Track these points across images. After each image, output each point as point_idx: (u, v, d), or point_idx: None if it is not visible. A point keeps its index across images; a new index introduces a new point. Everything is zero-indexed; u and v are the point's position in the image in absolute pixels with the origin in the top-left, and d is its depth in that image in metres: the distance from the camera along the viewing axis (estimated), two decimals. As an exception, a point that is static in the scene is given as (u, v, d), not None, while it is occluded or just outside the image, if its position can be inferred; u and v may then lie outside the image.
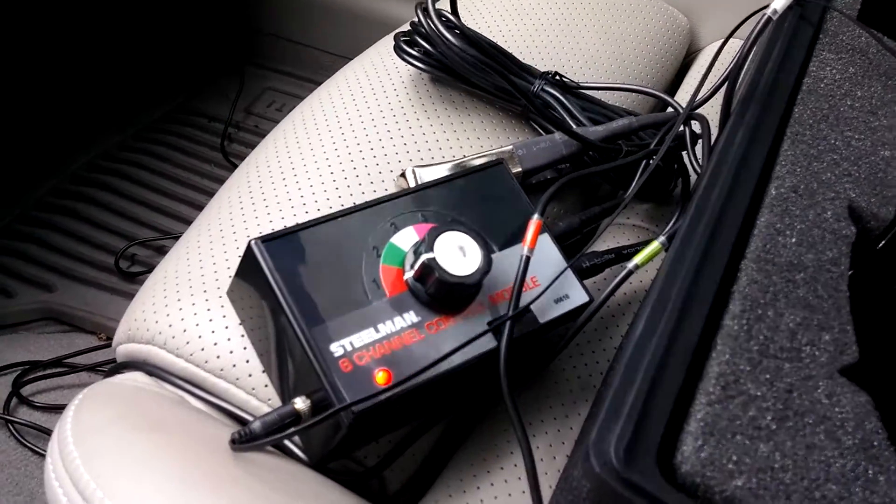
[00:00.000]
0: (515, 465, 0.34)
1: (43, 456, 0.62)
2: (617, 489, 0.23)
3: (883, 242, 0.36)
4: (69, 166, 1.00)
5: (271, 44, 1.24)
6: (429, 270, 0.31)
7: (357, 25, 1.19)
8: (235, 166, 1.03)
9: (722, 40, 0.44)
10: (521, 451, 0.30)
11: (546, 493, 0.33)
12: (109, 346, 0.75)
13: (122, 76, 1.13)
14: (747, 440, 0.24)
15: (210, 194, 1.00)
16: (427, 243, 0.31)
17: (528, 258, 0.32)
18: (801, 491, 0.24)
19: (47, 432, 0.63)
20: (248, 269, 0.32)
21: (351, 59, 1.34)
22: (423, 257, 0.31)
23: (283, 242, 0.31)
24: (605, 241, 0.46)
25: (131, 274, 0.86)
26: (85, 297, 0.83)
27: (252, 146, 1.09)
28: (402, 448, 0.34)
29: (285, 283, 0.30)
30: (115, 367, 0.37)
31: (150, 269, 0.86)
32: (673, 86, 0.62)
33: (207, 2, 1.22)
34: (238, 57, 1.20)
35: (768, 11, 0.35)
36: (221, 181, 1.05)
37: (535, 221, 0.33)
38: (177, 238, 0.90)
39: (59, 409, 0.65)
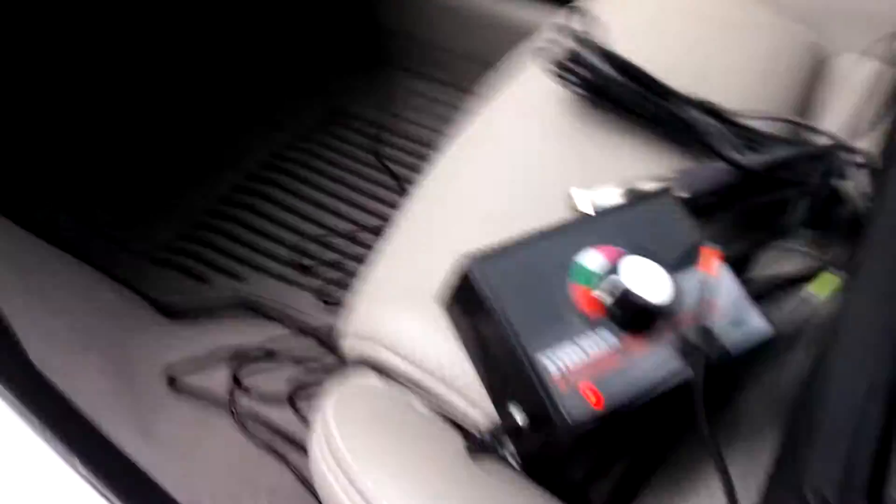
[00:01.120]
0: (710, 493, 0.35)
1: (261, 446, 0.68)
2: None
3: None
4: (245, 166, 1.07)
5: (415, 48, 1.26)
6: (628, 295, 0.33)
7: (499, 31, 1.19)
8: (388, 168, 1.08)
9: (846, 54, 0.41)
10: (718, 479, 0.30)
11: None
12: (303, 335, 0.80)
13: (282, 85, 1.19)
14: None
15: (366, 194, 1.05)
16: (619, 268, 0.33)
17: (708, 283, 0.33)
18: None
19: (264, 423, 0.68)
20: (464, 287, 0.34)
21: (491, 63, 1.34)
22: (622, 283, 0.32)
23: (494, 263, 0.34)
24: (765, 266, 0.45)
25: (305, 267, 0.92)
26: (270, 287, 0.89)
27: (402, 149, 1.13)
28: (605, 465, 0.36)
29: (502, 304, 0.33)
30: (347, 367, 0.41)
31: (322, 262, 0.92)
32: (803, 100, 0.60)
33: (355, 7, 1.25)
34: (390, 61, 1.22)
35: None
36: (375, 181, 1.10)
37: (711, 253, 0.34)
38: (342, 236, 0.96)
39: (270, 398, 0.71)
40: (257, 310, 0.86)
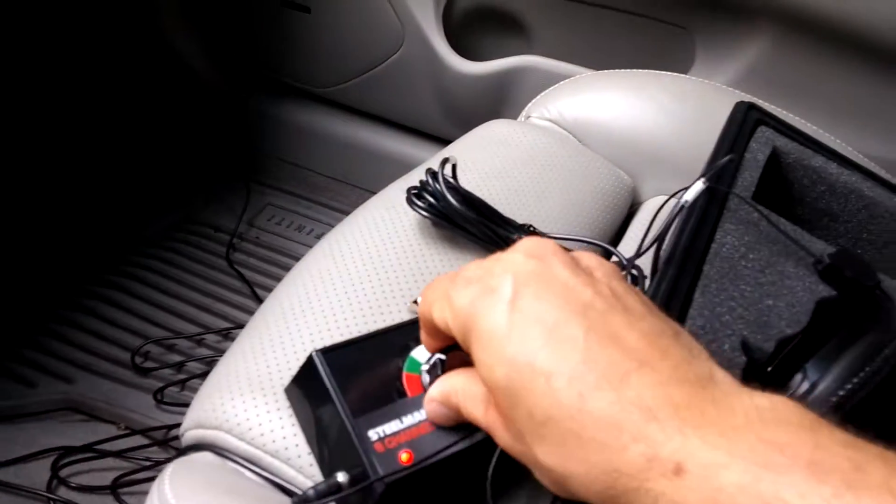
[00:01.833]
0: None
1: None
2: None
3: (770, 368, 0.47)
4: (88, 267, 1.09)
5: (273, 164, 1.37)
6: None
7: (350, 154, 1.33)
8: (239, 273, 1.13)
9: (656, 197, 0.55)
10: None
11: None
12: (129, 434, 0.81)
13: (136, 187, 1.24)
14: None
15: (215, 297, 1.10)
16: (440, 358, 0.41)
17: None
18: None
19: (84, 510, 0.69)
20: (307, 372, 0.41)
21: (343, 181, 1.46)
22: (436, 368, 0.41)
23: (336, 354, 0.41)
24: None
25: (146, 369, 0.93)
26: (103, 389, 0.90)
27: (254, 255, 1.19)
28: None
29: (336, 385, 0.40)
30: (185, 449, 0.45)
31: (163, 365, 0.94)
32: (619, 234, 0.75)
33: (216, 124, 1.35)
34: (245, 175, 1.31)
35: (681, 200, 0.47)
36: (225, 286, 1.14)
37: None
38: (187, 338, 0.99)
39: (92, 489, 0.71)
40: (85, 411, 0.86)
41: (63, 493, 0.70)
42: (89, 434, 0.79)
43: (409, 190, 0.59)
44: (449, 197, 0.55)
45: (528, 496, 0.46)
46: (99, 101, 1.22)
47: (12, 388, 0.89)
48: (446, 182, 0.56)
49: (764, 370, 0.46)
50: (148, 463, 0.76)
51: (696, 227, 0.49)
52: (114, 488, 0.71)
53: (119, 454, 0.75)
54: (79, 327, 0.99)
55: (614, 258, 0.58)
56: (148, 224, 1.20)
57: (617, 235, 0.74)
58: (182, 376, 0.92)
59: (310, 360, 0.41)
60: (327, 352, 0.41)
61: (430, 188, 0.57)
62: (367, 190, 1.32)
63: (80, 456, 0.74)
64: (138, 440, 0.80)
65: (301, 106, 1.33)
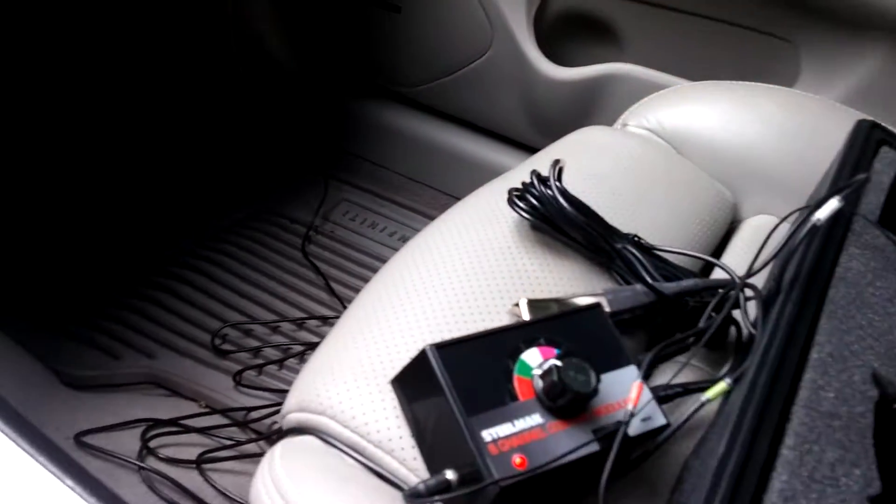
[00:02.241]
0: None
1: (167, 501, 0.69)
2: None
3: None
4: (172, 251, 1.12)
5: (351, 160, 1.38)
6: (553, 385, 0.40)
7: (429, 155, 1.33)
8: (313, 264, 1.14)
9: (759, 216, 0.53)
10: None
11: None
12: (210, 413, 0.83)
13: (220, 177, 1.26)
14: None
15: (289, 287, 1.11)
16: (554, 364, 0.40)
17: (632, 413, 0.41)
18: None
19: (172, 480, 0.71)
20: (419, 366, 0.41)
21: (420, 182, 1.46)
22: (552, 374, 0.40)
23: (449, 350, 0.41)
24: (667, 375, 0.54)
25: (224, 351, 0.95)
26: (184, 366, 0.92)
27: (327, 248, 1.21)
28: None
29: (450, 382, 0.39)
30: (287, 431, 0.46)
31: (239, 348, 0.95)
32: (718, 249, 0.72)
33: (301, 120, 1.37)
34: (322, 169, 1.33)
35: (813, 219, 0.46)
36: (299, 276, 1.16)
37: (637, 385, 0.42)
38: (263, 324, 1.00)
39: (178, 461, 0.73)
40: (167, 386, 0.88)
41: (152, 462, 0.72)
42: (173, 409, 0.81)
43: (510, 191, 0.58)
44: (560, 199, 0.54)
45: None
46: (188, 92, 1.26)
47: (99, 359, 0.91)
48: (558, 184, 0.55)
49: (891, 405, 0.44)
50: (230, 442, 0.78)
51: (821, 249, 0.47)
52: (199, 463, 0.73)
53: (203, 431, 0.77)
54: (161, 306, 1.01)
55: (722, 273, 0.56)
56: (229, 212, 1.23)
57: (715, 253, 0.72)
58: (259, 361, 0.93)
59: (423, 354, 0.40)
60: (441, 347, 0.40)
61: (534, 190, 0.56)
62: (444, 192, 1.32)
63: (166, 429, 0.76)
64: (218, 419, 0.82)
65: (385, 105, 1.33)
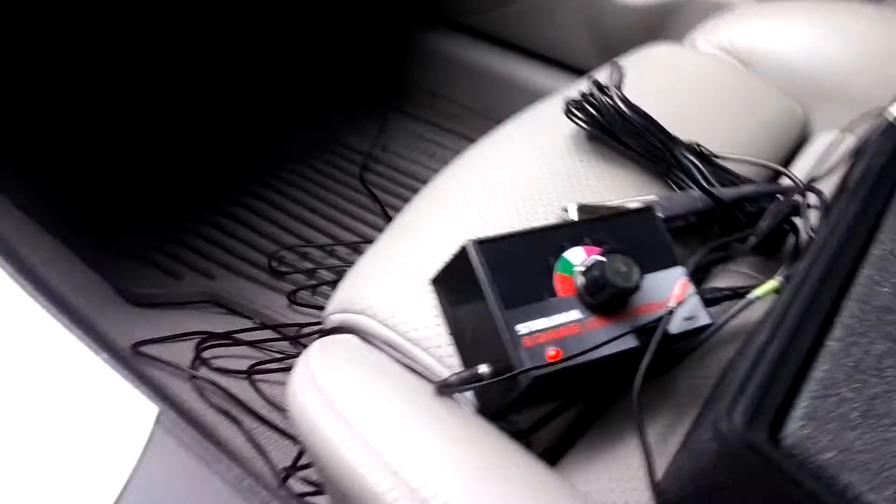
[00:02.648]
0: (638, 445, 0.42)
1: (217, 409, 0.73)
2: (738, 448, 0.31)
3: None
4: (233, 177, 1.15)
5: (412, 91, 1.38)
6: (595, 280, 0.40)
7: (488, 85, 1.31)
8: (371, 192, 1.16)
9: (830, 130, 0.52)
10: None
11: (660, 469, 0.41)
12: (265, 328, 0.86)
13: (282, 107, 1.28)
14: (838, 427, 0.32)
15: (346, 213, 1.13)
16: (598, 259, 0.40)
17: (672, 310, 0.41)
18: (875, 469, 0.31)
19: (223, 389, 0.75)
20: (458, 263, 0.42)
21: (479, 113, 1.45)
22: (594, 269, 0.40)
23: (489, 247, 0.41)
24: (719, 281, 0.54)
25: (280, 272, 0.98)
26: (241, 287, 0.95)
27: (385, 177, 1.22)
28: (549, 418, 0.43)
29: (488, 276, 0.40)
30: (330, 331, 0.47)
31: (295, 269, 0.99)
32: (785, 164, 0.70)
33: (363, 50, 1.37)
34: (382, 100, 1.33)
35: (888, 116, 0.43)
36: (356, 203, 1.18)
37: (682, 282, 0.42)
38: (319, 247, 1.03)
39: (230, 372, 0.77)
40: (225, 305, 0.92)
41: (204, 372, 0.76)
42: (228, 325, 0.85)
43: (567, 101, 0.57)
44: (619, 103, 0.53)
45: (675, 409, 0.45)
46: (251, 20, 1.27)
47: (161, 278, 0.96)
48: (617, 89, 0.54)
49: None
50: (280, 355, 0.81)
51: (893, 149, 0.45)
52: (249, 374, 0.76)
53: (254, 344, 0.80)
54: (221, 229, 1.05)
55: (786, 180, 0.55)
56: (288, 140, 1.25)
57: (785, 166, 0.69)
58: (313, 282, 0.96)
59: (463, 250, 0.41)
60: (482, 242, 0.41)
61: (593, 99, 0.55)
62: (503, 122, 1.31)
63: (220, 342, 0.80)
64: (271, 335, 0.85)
65: (445, 34, 1.32)
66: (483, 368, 0.40)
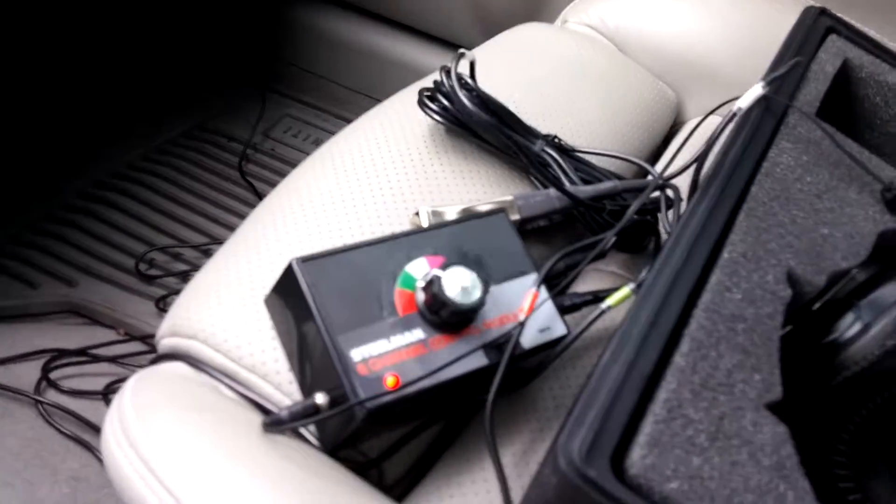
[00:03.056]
0: (491, 472, 0.40)
1: (66, 436, 0.67)
2: (577, 483, 0.29)
3: (818, 304, 0.42)
4: (96, 172, 1.06)
5: (293, 74, 1.31)
6: (436, 297, 0.37)
7: (373, 65, 1.26)
8: (251, 184, 1.10)
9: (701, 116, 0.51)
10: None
11: (518, 495, 0.38)
12: (128, 340, 0.80)
13: (148, 92, 1.20)
14: (683, 453, 0.30)
15: (225, 208, 1.07)
16: (437, 274, 0.37)
17: (523, 323, 0.38)
18: (724, 497, 0.30)
19: (73, 414, 0.68)
20: (286, 282, 0.37)
21: (365, 95, 1.40)
22: (433, 286, 0.37)
23: (319, 263, 0.37)
24: (587, 283, 0.52)
25: (149, 276, 0.91)
26: (104, 294, 0.88)
27: (268, 167, 1.16)
28: (400, 445, 0.40)
29: (317, 297, 0.36)
30: (158, 358, 0.42)
31: (167, 273, 0.92)
32: (659, 152, 0.69)
33: (235, 29, 1.29)
34: (261, 84, 1.26)
35: (734, 108, 0.42)
36: (236, 197, 1.11)
37: (532, 293, 0.39)
38: (194, 247, 0.96)
39: (83, 394, 0.70)
40: (86, 314, 0.84)
41: (52, 396, 0.69)
42: (87, 338, 0.78)
43: (420, 91, 0.54)
44: (461, 96, 0.49)
45: (537, 424, 0.42)
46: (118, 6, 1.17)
47: (14, 287, 0.87)
48: (460, 80, 0.50)
49: (809, 308, 0.41)
50: (137, 368, 0.75)
51: (748, 142, 0.44)
52: (105, 394, 0.70)
53: (114, 360, 0.74)
54: (85, 231, 0.97)
55: (649, 177, 0.53)
56: (159, 129, 1.16)
57: (657, 155, 0.68)
58: (186, 286, 0.90)
59: (289, 268, 0.37)
60: (309, 260, 0.37)
61: (444, 88, 0.52)
62: (392, 104, 1.26)
63: (73, 359, 0.73)
64: (137, 346, 0.78)
65: (324, 11, 1.26)
66: (320, 399, 0.36)
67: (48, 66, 1.13)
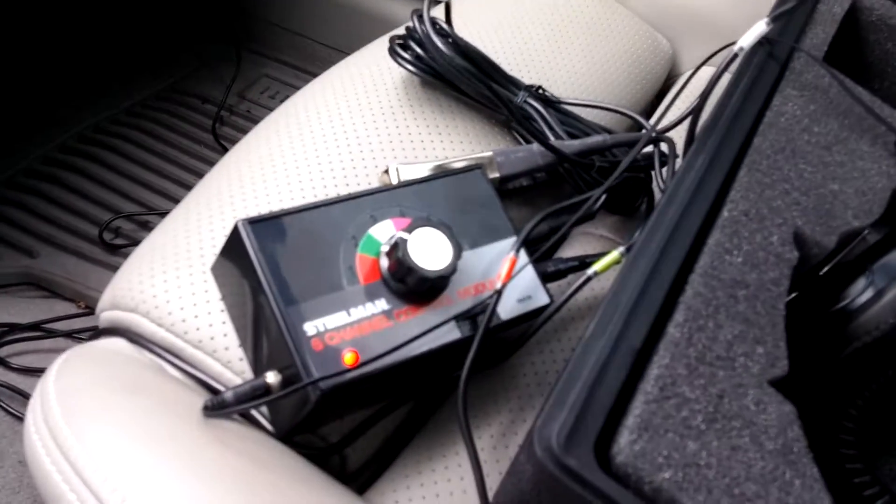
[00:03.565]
0: (463, 456, 0.36)
1: (15, 417, 0.63)
2: (555, 473, 0.25)
3: (826, 268, 0.38)
4: (59, 136, 1.01)
5: (270, 31, 1.25)
6: (401, 263, 0.33)
7: (354, 21, 1.21)
8: (225, 148, 1.05)
9: (703, 68, 0.47)
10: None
11: (495, 481, 0.35)
12: (89, 314, 0.76)
13: (117, 51, 1.14)
14: (678, 437, 0.27)
15: (198, 174, 1.02)
16: (401, 237, 0.33)
17: (500, 291, 0.34)
18: (723, 487, 0.26)
19: (22, 394, 0.64)
20: (233, 247, 0.34)
21: (344, 52, 1.35)
22: (397, 250, 0.33)
23: (269, 225, 0.33)
24: (573, 248, 0.48)
25: (114, 246, 0.87)
26: (66, 265, 0.84)
27: (243, 130, 1.10)
28: (364, 428, 0.36)
29: (266, 263, 0.32)
30: (98, 333, 0.39)
31: (133, 242, 0.87)
32: (652, 107, 0.65)
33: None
34: (236, 42, 1.21)
35: (735, 47, 0.38)
36: (210, 162, 1.07)
37: (510, 258, 0.35)
38: (162, 214, 0.92)
39: (35, 371, 0.66)
40: (45, 286, 0.80)
41: (0, 374, 0.65)
42: (44, 311, 0.74)
43: (392, 38, 0.50)
44: (437, 42, 0.45)
45: (517, 402, 0.39)
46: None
47: (-30, 259, 0.83)
48: (434, 24, 0.46)
49: (816, 273, 0.38)
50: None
51: (749, 89, 0.40)
52: (59, 372, 0.66)
53: (71, 335, 0.70)
54: (47, 198, 0.92)
55: (642, 131, 0.49)
56: (130, 90, 1.11)
57: (650, 109, 0.64)
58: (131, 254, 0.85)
59: (235, 231, 0.33)
60: (257, 221, 0.33)
61: (416, 35, 0.47)
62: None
63: (26, 335, 0.69)
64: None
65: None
66: (271, 378, 0.32)
67: (10, 24, 1.07)
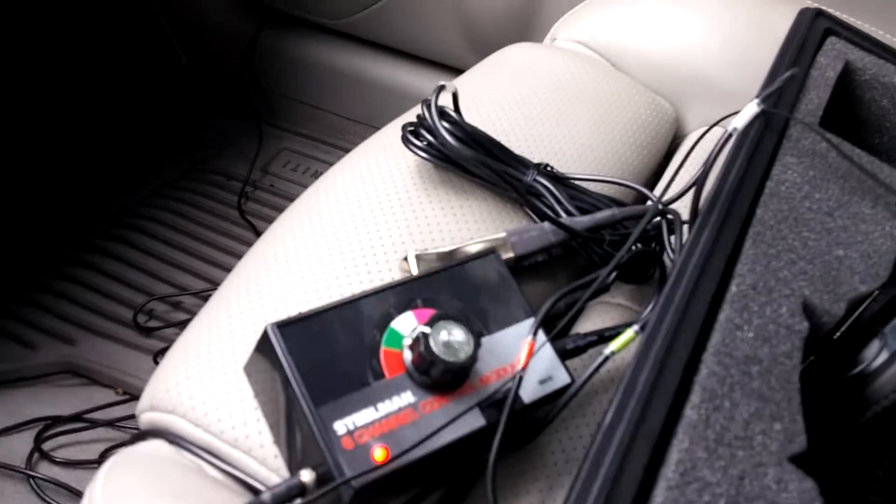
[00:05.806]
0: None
1: (62, 510, 0.64)
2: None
3: (839, 333, 0.39)
4: (91, 221, 1.04)
5: (288, 105, 1.29)
6: (424, 357, 0.34)
7: (368, 93, 1.24)
8: (251, 224, 1.07)
9: (703, 128, 0.48)
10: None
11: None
12: (127, 400, 0.77)
13: (143, 135, 1.18)
14: (702, 522, 0.27)
15: (225, 251, 1.04)
16: (423, 331, 0.34)
17: (521, 377, 0.35)
18: (750, 570, 0.27)
19: (67, 488, 0.65)
20: (263, 350, 0.35)
21: (363, 123, 1.38)
22: (419, 344, 0.34)
23: (296, 328, 0.34)
24: (591, 319, 0.49)
25: (149, 329, 0.89)
26: (103, 350, 0.86)
27: (268, 205, 1.13)
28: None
29: (296, 365, 0.33)
30: (139, 435, 0.40)
31: (167, 323, 0.90)
32: (661, 168, 0.66)
33: (225, 63, 1.27)
34: (256, 117, 1.24)
35: (729, 128, 0.39)
36: (237, 238, 1.09)
37: (528, 342, 0.36)
38: (193, 294, 0.94)
39: (78, 464, 0.68)
40: (84, 374, 0.82)
41: (44, 468, 0.66)
42: (84, 401, 0.75)
43: (404, 127, 0.51)
44: (442, 132, 0.47)
45: (546, 481, 0.39)
46: (101, 46, 1.16)
47: (12, 350, 0.85)
48: (442, 113, 0.48)
49: (830, 338, 0.38)
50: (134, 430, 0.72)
51: (748, 162, 0.41)
52: (101, 462, 0.67)
53: (111, 423, 0.71)
54: (83, 285, 0.95)
55: (648, 202, 0.50)
56: (155, 173, 1.15)
57: (658, 173, 0.65)
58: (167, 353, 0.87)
59: (264, 335, 0.34)
60: (286, 325, 0.34)
61: (426, 123, 0.49)
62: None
63: (68, 427, 0.70)
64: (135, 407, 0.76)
65: (314, 40, 1.24)
66: (306, 476, 0.33)
67: (43, 113, 1.11)
